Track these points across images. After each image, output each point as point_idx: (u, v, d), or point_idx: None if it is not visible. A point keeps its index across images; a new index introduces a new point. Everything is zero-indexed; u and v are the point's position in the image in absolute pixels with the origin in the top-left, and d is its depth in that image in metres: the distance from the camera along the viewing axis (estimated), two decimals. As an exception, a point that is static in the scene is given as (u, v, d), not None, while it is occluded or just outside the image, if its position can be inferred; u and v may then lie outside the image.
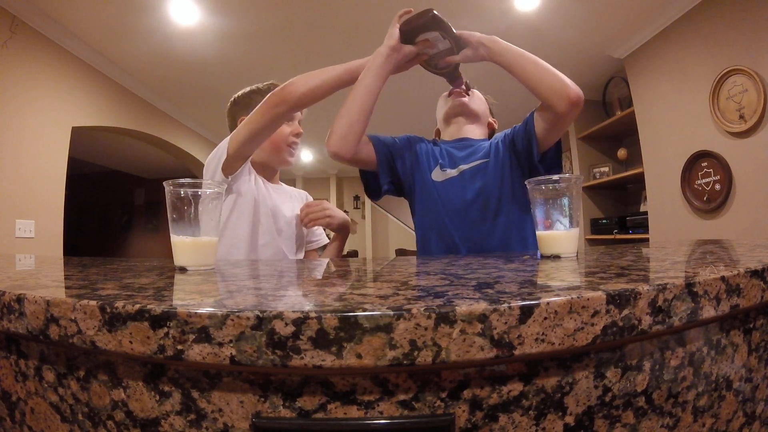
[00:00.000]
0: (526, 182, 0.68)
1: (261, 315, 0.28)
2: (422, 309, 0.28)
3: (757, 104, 1.98)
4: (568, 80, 0.90)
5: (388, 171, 1.07)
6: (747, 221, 2.09)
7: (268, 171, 1.18)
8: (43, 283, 0.45)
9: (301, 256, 1.21)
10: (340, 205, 6.60)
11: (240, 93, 1.19)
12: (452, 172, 1.06)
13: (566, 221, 0.63)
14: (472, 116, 1.15)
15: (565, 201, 0.63)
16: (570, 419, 0.32)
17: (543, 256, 0.65)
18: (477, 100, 1.18)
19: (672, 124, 2.52)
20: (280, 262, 0.89)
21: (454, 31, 0.95)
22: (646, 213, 2.85)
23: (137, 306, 0.30)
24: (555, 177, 0.63)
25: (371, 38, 2.72)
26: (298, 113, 1.17)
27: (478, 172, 1.04)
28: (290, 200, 1.21)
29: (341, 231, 1.20)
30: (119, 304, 0.31)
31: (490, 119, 1.22)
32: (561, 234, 0.63)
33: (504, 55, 0.95)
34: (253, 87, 1.17)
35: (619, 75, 3.15)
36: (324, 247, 1.33)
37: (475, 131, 1.15)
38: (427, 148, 1.12)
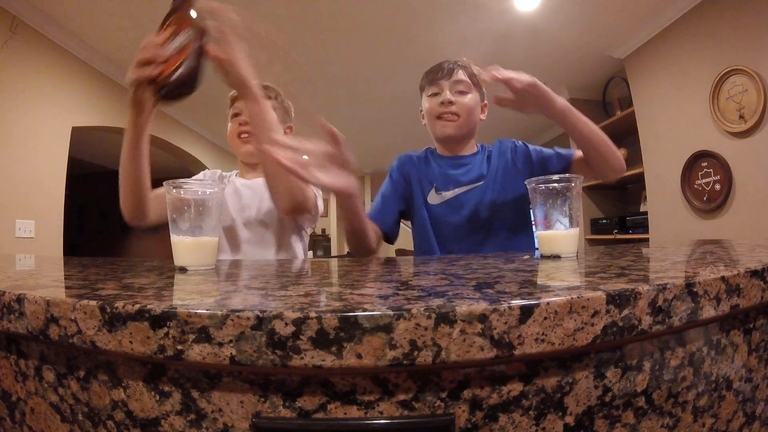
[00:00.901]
0: (526, 182, 0.68)
1: (261, 315, 0.28)
2: (422, 309, 0.28)
3: (757, 104, 1.98)
4: (619, 155, 0.93)
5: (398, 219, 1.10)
6: (747, 221, 2.09)
7: (245, 166, 1.20)
8: (43, 283, 0.45)
9: (299, 246, 1.14)
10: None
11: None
12: (447, 195, 1.06)
13: (566, 221, 0.63)
14: (463, 139, 1.10)
15: (565, 201, 0.63)
16: (570, 419, 0.32)
17: (543, 256, 0.65)
18: (467, 114, 1.05)
19: (672, 124, 2.52)
20: (279, 262, 0.88)
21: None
22: (646, 213, 2.84)
23: (137, 306, 0.30)
24: (555, 177, 0.63)
25: (371, 38, 2.74)
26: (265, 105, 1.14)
27: (473, 193, 1.05)
28: (265, 193, 1.10)
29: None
30: (119, 304, 0.31)
31: (482, 114, 1.12)
32: (561, 234, 0.63)
33: (569, 123, 0.89)
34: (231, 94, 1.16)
35: (619, 75, 3.15)
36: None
37: (469, 146, 1.13)
38: (419, 172, 1.11)
